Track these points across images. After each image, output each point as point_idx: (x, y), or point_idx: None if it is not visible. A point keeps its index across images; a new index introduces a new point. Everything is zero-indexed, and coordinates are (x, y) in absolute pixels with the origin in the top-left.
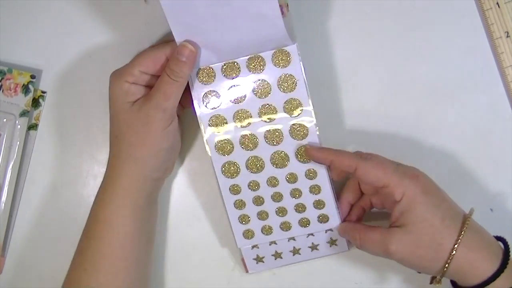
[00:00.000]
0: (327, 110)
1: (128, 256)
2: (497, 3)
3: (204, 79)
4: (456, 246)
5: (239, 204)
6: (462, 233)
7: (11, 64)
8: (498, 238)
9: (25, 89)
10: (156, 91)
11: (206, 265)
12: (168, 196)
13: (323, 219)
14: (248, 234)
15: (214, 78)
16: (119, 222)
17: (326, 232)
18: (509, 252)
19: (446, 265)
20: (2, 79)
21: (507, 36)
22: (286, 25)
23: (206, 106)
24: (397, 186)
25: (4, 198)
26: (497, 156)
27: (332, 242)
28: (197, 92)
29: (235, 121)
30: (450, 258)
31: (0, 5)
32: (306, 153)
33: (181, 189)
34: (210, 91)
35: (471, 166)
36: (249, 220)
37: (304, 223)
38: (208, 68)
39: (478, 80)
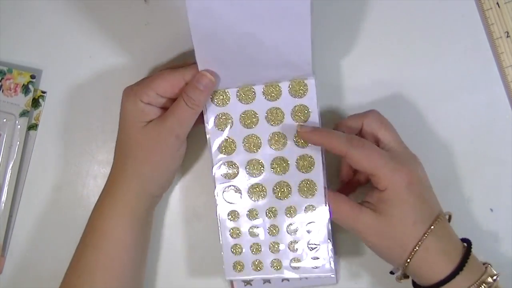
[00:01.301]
0: (327, 109)
1: (124, 266)
2: (497, 3)
3: (219, 102)
4: (415, 249)
5: (235, 233)
6: (424, 237)
7: (11, 64)
8: (465, 240)
9: (25, 89)
10: (170, 116)
11: (206, 265)
12: (168, 196)
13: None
14: (238, 266)
15: (229, 101)
16: (116, 234)
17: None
18: (470, 254)
19: (406, 264)
20: (2, 79)
21: (507, 36)
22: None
23: (217, 128)
24: (383, 178)
25: (4, 198)
26: (497, 156)
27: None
28: (210, 113)
29: (244, 145)
30: (408, 261)
31: (0, 5)
32: (299, 135)
33: (181, 189)
34: (223, 113)
35: (471, 166)
36: (242, 251)
37: (296, 261)
38: (223, 91)
39: (478, 80)
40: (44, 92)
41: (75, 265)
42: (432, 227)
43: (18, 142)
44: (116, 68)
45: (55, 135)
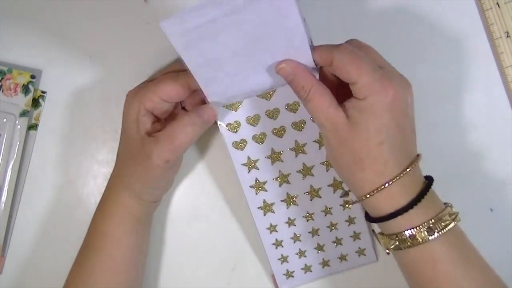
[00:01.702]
0: None
1: (128, 269)
2: (497, 3)
3: (233, 129)
4: (374, 192)
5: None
6: (385, 185)
7: (11, 64)
8: (427, 178)
9: (25, 89)
10: (165, 138)
11: (206, 265)
12: (168, 196)
13: (360, 251)
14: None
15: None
16: (120, 236)
17: (354, 241)
18: (429, 189)
19: (363, 198)
20: (2, 79)
21: (507, 36)
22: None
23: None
24: (365, 86)
25: (4, 198)
26: (497, 156)
27: (360, 252)
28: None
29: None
30: (363, 197)
31: (0, 5)
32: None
33: (181, 189)
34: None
35: (471, 166)
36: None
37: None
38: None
39: (478, 80)
40: (44, 92)
41: (78, 268)
42: (408, 169)
43: (18, 142)
44: (116, 68)
45: (55, 135)
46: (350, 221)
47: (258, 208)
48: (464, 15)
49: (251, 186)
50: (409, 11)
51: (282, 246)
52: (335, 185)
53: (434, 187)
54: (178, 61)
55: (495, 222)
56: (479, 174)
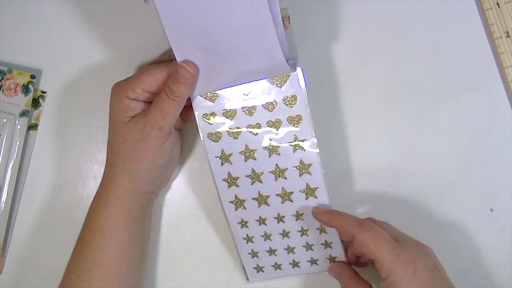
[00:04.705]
0: (327, 110)
1: (122, 264)
2: (497, 3)
3: (209, 120)
4: None
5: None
6: None
7: (11, 64)
8: None
9: (25, 89)
10: (153, 108)
11: (206, 265)
12: (168, 196)
13: (330, 258)
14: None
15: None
16: (112, 231)
17: (325, 248)
18: None
19: None
20: (2, 79)
21: (507, 36)
22: (289, 47)
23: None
24: (386, 266)
25: (4, 198)
26: (497, 156)
27: (331, 259)
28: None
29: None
30: None
31: (0, 5)
32: (313, 215)
33: (181, 189)
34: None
35: (471, 166)
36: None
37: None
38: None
39: (478, 80)
40: (44, 92)
41: (73, 264)
42: None
43: (18, 142)
44: (116, 68)
45: (55, 135)
46: (322, 229)
47: (230, 202)
48: (464, 15)
49: (224, 180)
50: (409, 11)
51: (253, 242)
52: (308, 192)
53: (434, 187)
54: (164, 54)
55: (495, 222)
56: (479, 174)
